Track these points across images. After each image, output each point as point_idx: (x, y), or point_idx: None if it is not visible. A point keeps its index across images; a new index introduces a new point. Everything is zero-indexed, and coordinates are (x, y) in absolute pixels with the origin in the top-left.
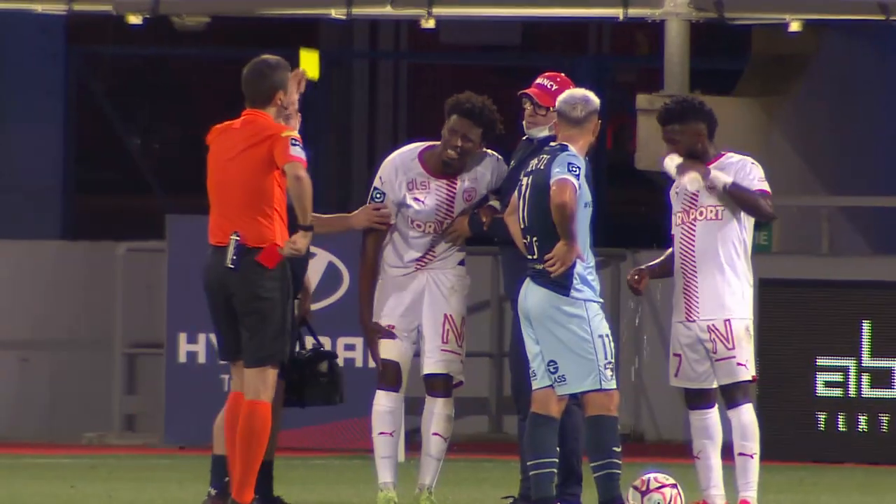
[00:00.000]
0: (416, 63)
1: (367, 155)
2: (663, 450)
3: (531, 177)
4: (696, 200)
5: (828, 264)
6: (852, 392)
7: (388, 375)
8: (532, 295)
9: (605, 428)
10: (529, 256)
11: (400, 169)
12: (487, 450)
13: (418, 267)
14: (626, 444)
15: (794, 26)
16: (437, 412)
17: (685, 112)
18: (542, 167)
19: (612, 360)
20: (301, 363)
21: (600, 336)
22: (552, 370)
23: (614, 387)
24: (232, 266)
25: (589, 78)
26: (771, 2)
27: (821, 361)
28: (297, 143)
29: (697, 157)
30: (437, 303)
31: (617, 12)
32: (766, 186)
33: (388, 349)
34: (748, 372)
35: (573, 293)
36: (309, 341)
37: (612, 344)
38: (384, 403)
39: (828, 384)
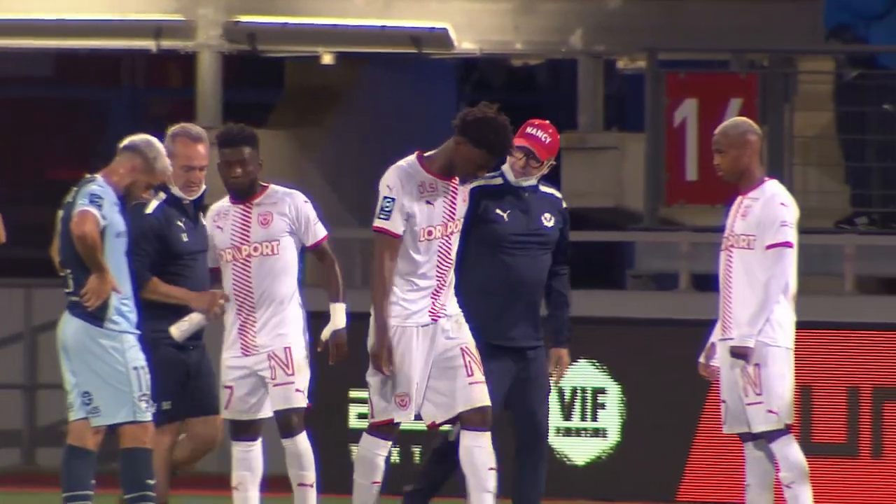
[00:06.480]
0: None
1: None
2: (198, 482)
3: (64, 210)
4: (245, 236)
5: (365, 296)
6: None
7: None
8: (69, 326)
9: (140, 461)
10: (66, 290)
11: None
12: (20, 482)
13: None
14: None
15: (327, 59)
16: None
17: (248, 137)
18: (71, 200)
19: (148, 392)
20: None
21: (135, 368)
22: (86, 402)
23: (149, 419)
24: None
25: (124, 111)
26: (303, 34)
27: (353, 394)
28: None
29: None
30: None
31: (150, 44)
32: None
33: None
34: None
35: (109, 325)
36: None
37: (148, 376)
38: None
39: (361, 416)
